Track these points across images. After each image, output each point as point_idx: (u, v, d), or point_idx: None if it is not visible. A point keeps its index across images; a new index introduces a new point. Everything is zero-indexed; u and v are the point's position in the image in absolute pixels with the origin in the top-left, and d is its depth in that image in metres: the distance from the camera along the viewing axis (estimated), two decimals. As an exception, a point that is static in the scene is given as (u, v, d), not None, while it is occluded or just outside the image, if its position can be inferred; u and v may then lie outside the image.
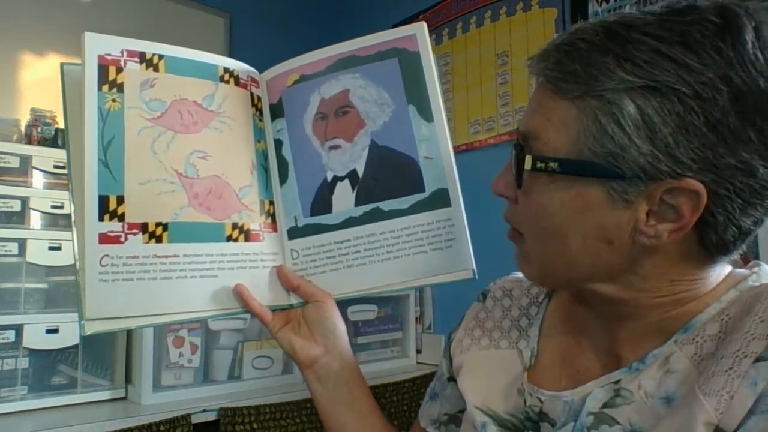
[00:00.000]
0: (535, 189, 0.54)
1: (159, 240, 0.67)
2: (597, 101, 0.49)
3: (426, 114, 0.75)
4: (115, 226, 0.65)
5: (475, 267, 0.75)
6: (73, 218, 0.66)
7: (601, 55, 0.49)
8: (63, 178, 1.39)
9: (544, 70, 0.53)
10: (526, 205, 0.56)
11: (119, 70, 0.68)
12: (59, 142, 1.55)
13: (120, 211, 0.66)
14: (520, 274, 0.74)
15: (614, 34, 0.49)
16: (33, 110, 1.63)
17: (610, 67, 0.48)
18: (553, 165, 0.51)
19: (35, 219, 1.34)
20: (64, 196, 1.36)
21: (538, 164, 0.52)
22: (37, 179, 1.37)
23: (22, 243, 1.29)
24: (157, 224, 0.67)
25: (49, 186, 1.38)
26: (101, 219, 0.65)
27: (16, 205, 1.32)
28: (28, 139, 1.58)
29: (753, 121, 0.46)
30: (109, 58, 0.68)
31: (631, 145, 0.48)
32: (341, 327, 0.77)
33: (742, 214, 0.48)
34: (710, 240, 0.50)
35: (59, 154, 1.40)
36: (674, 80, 0.46)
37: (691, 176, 0.47)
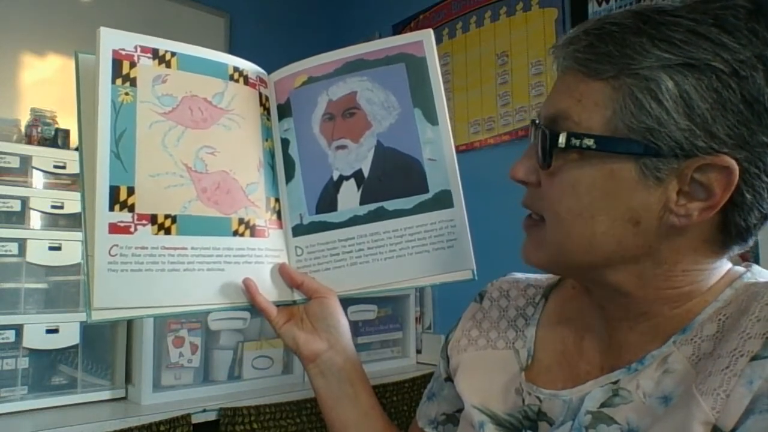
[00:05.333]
0: (564, 169, 0.53)
1: (168, 232, 0.68)
2: (633, 79, 0.49)
3: (431, 117, 0.77)
4: (125, 216, 0.66)
5: (475, 267, 0.76)
6: (83, 208, 0.66)
7: (635, 37, 0.50)
8: (63, 178, 1.39)
9: (573, 54, 0.53)
10: (551, 187, 0.55)
11: (133, 65, 0.70)
12: (59, 142, 1.55)
13: (130, 201, 0.67)
14: (517, 275, 0.75)
15: (646, 18, 0.50)
16: (33, 110, 1.63)
17: (645, 46, 0.49)
18: (588, 142, 0.51)
19: (35, 219, 1.34)
20: (64, 196, 1.36)
21: (573, 141, 0.51)
22: (37, 179, 1.36)
23: (22, 243, 1.29)
24: (166, 216, 0.68)
25: (49, 186, 1.37)
26: (111, 209, 0.66)
27: (16, 205, 1.31)
28: (28, 139, 1.58)
29: None
30: (123, 53, 0.69)
31: (670, 120, 0.48)
32: (344, 323, 0.78)
33: None
34: (733, 223, 0.50)
35: (59, 154, 1.40)
36: (711, 57, 0.47)
37: (726, 152, 0.48)
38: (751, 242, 0.53)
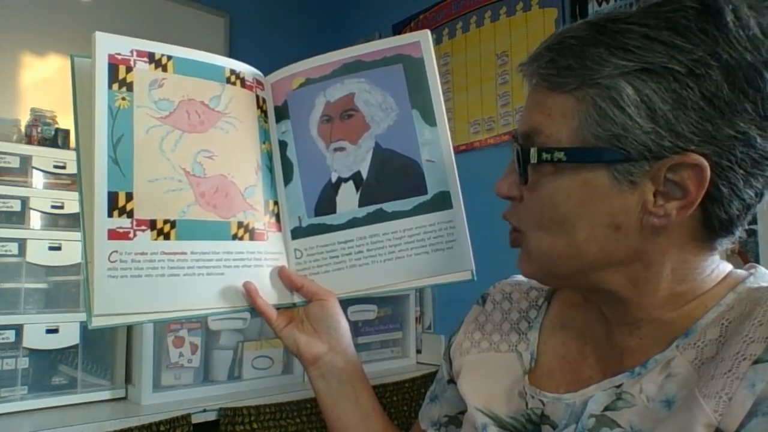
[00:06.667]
0: (541, 182, 0.55)
1: (167, 237, 0.68)
2: (595, 89, 0.51)
3: (429, 118, 0.77)
4: (123, 222, 0.66)
5: (474, 268, 0.76)
6: (81, 214, 0.66)
7: (593, 47, 0.51)
8: (63, 178, 1.39)
9: (537, 70, 0.55)
10: (531, 200, 0.56)
11: (129, 69, 0.69)
12: (59, 142, 1.55)
13: (129, 207, 0.67)
14: (519, 277, 0.75)
15: (602, 28, 0.51)
16: (33, 110, 1.62)
17: (603, 56, 0.50)
18: (559, 155, 0.52)
19: (35, 219, 1.34)
20: (64, 196, 1.36)
21: (544, 155, 0.53)
22: (37, 179, 1.36)
23: (22, 243, 1.29)
24: (165, 221, 0.68)
25: (49, 186, 1.37)
26: (110, 215, 0.66)
27: (16, 205, 1.31)
28: (28, 139, 1.58)
29: (745, 92, 0.48)
30: (119, 57, 0.69)
31: (634, 125, 0.49)
32: (344, 325, 0.79)
33: (745, 185, 0.50)
34: (716, 216, 0.51)
35: (59, 154, 1.40)
36: (667, 60, 0.48)
37: (693, 150, 0.49)
38: (737, 234, 0.54)
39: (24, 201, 1.32)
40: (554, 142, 0.53)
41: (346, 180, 0.78)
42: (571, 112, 0.52)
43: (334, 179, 0.78)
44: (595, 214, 0.53)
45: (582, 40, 0.52)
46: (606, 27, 0.51)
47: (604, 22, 0.52)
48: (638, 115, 0.49)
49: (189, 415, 1.27)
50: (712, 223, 0.52)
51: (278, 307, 0.75)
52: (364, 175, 0.77)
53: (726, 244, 0.55)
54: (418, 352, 1.90)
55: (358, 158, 0.78)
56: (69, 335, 1.31)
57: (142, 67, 0.70)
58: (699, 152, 0.49)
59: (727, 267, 0.57)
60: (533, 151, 0.53)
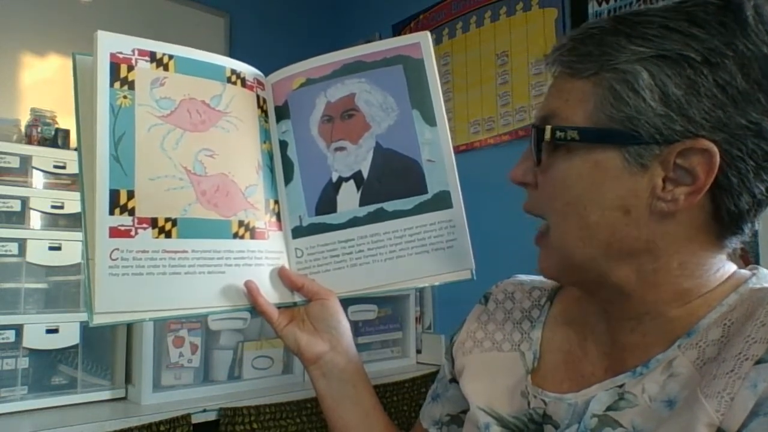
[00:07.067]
0: (554, 164, 0.56)
1: (168, 235, 0.68)
2: (611, 73, 0.52)
3: (429, 118, 0.78)
4: (125, 220, 0.66)
5: (474, 267, 0.76)
6: (82, 212, 0.66)
7: (612, 36, 0.53)
8: (63, 178, 1.39)
9: (559, 58, 0.56)
10: (545, 184, 0.57)
11: (130, 68, 0.70)
12: (59, 142, 1.55)
13: (130, 205, 0.67)
14: (521, 277, 0.75)
15: (623, 19, 0.53)
16: (33, 110, 1.62)
17: (621, 43, 0.52)
18: (572, 134, 0.53)
19: (35, 219, 1.33)
20: (64, 196, 1.36)
21: (558, 134, 0.54)
22: (37, 179, 1.36)
23: (22, 243, 1.28)
24: (167, 219, 0.69)
25: (49, 186, 1.37)
26: (111, 213, 0.66)
27: (16, 205, 1.31)
28: (28, 139, 1.58)
29: (760, 83, 0.49)
30: (121, 56, 0.69)
31: (647, 108, 0.50)
32: (345, 324, 0.79)
33: (756, 178, 0.50)
34: (725, 209, 0.52)
35: (59, 154, 1.39)
36: (683, 48, 0.50)
37: (704, 135, 0.49)
38: (747, 231, 0.54)
39: (24, 201, 1.32)
40: (569, 123, 0.54)
41: (346, 179, 0.78)
42: (587, 96, 0.53)
43: (334, 179, 0.78)
44: (606, 196, 0.53)
45: (603, 29, 0.54)
46: (627, 19, 0.53)
47: (627, 15, 0.54)
48: (652, 98, 0.50)
49: (189, 415, 1.27)
50: (722, 215, 0.52)
51: (279, 306, 0.76)
52: (365, 174, 0.78)
53: (735, 243, 0.55)
54: (418, 352, 1.89)
55: (359, 158, 0.78)
56: (69, 335, 1.31)
57: (143, 66, 0.70)
58: (710, 138, 0.49)
59: (732, 267, 0.57)
60: (548, 129, 0.54)
